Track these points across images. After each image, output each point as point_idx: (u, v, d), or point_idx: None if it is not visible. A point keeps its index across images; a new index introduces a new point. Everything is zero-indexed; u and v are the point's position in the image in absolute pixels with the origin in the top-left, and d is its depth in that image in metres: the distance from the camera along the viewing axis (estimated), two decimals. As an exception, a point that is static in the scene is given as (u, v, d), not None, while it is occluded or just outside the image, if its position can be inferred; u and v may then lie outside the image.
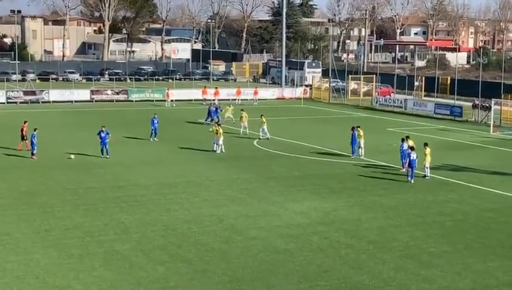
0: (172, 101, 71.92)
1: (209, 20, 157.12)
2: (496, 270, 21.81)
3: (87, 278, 20.60)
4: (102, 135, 40.23)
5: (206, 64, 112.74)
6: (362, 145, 41.18)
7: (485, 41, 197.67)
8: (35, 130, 39.98)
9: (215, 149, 42.11)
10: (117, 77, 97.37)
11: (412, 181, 34.48)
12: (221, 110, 55.67)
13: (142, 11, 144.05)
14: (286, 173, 36.89)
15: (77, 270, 21.19)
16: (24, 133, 41.72)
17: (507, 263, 22.57)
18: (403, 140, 37.23)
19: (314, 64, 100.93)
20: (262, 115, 48.68)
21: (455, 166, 38.99)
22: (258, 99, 75.06)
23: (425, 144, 36.30)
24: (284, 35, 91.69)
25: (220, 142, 42.12)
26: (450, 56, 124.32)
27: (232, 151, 42.44)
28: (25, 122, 42.31)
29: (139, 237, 24.75)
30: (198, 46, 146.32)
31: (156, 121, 46.79)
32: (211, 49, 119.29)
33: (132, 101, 74.87)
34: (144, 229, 25.72)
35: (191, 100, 74.96)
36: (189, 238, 24.66)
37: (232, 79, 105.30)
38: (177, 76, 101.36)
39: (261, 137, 47.83)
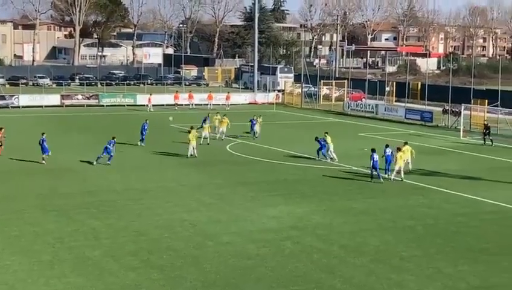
0: (147, 105, 71.73)
1: (180, 25, 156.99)
2: (466, 274, 21.96)
3: (58, 285, 20.39)
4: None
5: (178, 69, 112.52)
6: (332, 149, 41.43)
7: (455, 47, 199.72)
8: (43, 134, 39.70)
9: (192, 154, 41.91)
10: (88, 81, 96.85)
11: (382, 180, 35.27)
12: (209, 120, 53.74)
13: (113, 15, 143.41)
14: (258, 178, 36.88)
15: (47, 277, 20.96)
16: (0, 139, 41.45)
17: (477, 266, 22.74)
18: (386, 146, 37.21)
19: (286, 69, 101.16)
20: (260, 116, 50.72)
21: (426, 171, 39.26)
22: (231, 104, 75.05)
23: (398, 148, 36.69)
24: (256, 40, 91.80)
25: (191, 147, 41.94)
26: (420, 62, 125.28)
27: (204, 156, 42.34)
28: (0, 128, 42.07)
29: (110, 243, 24.55)
30: (170, 50, 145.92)
31: (146, 127, 46.83)
32: (183, 54, 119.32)
33: (103, 106, 74.42)
34: (114, 235, 25.53)
35: (163, 105, 74.67)
36: (161, 244, 24.52)
37: (204, 84, 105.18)
38: (149, 81, 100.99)
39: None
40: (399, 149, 36.58)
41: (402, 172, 36.29)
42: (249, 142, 48.78)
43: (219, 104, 75.09)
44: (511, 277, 21.87)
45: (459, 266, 22.77)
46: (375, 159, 35.67)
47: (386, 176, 36.41)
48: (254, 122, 50.97)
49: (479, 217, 29.41)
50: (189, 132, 42.22)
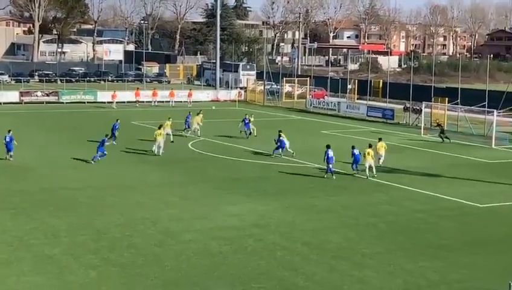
0: (111, 102, 71.10)
1: (142, 21, 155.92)
2: (426, 270, 22.12)
3: (16, 284, 20.05)
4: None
5: (139, 66, 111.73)
6: (288, 146, 41.55)
7: (415, 45, 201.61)
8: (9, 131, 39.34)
9: (154, 150, 41.57)
10: (47, 78, 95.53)
11: (334, 177, 35.77)
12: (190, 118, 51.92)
13: (73, 11, 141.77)
14: (221, 176, 36.75)
15: (5, 276, 20.59)
16: None
17: (437, 262, 22.92)
18: (353, 147, 37.44)
19: (248, 66, 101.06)
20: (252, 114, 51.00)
21: (387, 168, 39.48)
22: (193, 102, 74.71)
23: (370, 145, 37.27)
24: (218, 37, 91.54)
25: (156, 145, 41.60)
26: (382, 60, 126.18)
27: (166, 154, 42.05)
28: None
29: (69, 241, 24.23)
30: (131, 47, 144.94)
31: (117, 126, 46.18)
32: (144, 51, 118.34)
33: (63, 102, 73.51)
34: (74, 233, 25.20)
35: (124, 102, 74.02)
36: (122, 242, 24.27)
37: (165, 81, 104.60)
38: (110, 78, 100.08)
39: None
40: (370, 146, 36.91)
41: (374, 169, 36.43)
42: (210, 140, 48.60)
43: (181, 102, 74.69)
44: (470, 272, 22.12)
45: (420, 262, 22.93)
46: (329, 155, 36.04)
47: (355, 173, 36.77)
48: (247, 120, 50.06)
49: (438, 213, 29.67)
50: (159, 128, 41.90)
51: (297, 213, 29.07)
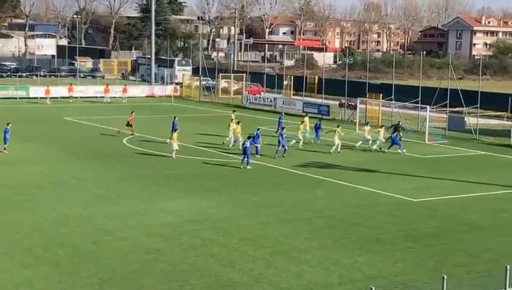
0: (44, 98, 69.77)
1: (75, 16, 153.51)
2: (362, 265, 22.36)
3: None
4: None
5: (73, 61, 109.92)
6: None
7: (350, 41, 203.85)
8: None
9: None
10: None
11: (248, 167, 37.06)
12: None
13: (3, 5, 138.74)
14: (157, 172, 36.45)
15: None
16: None
17: (373, 257, 23.19)
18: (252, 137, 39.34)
19: (184, 62, 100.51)
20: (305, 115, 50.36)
21: (324, 163, 39.82)
22: (128, 97, 73.89)
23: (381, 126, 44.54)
24: (153, 32, 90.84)
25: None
26: (317, 56, 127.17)
27: (100, 150, 41.51)
28: None
29: (2, 240, 23.67)
30: (64, 42, 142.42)
31: (7, 130, 40.61)
32: (77, 46, 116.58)
33: (-6, 98, 71.81)
34: (6, 232, 24.64)
35: (57, 98, 72.73)
36: (56, 240, 23.83)
37: (100, 76, 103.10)
38: (42, 73, 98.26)
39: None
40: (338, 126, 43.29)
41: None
42: (146, 136, 48.15)
43: (116, 97, 73.76)
44: (405, 266, 22.45)
45: (356, 257, 23.16)
46: (247, 145, 37.38)
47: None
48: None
49: (374, 208, 30.02)
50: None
51: (234, 209, 29.03)
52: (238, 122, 44.54)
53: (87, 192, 31.29)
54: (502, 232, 26.83)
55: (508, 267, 17.27)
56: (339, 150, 43.20)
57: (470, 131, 53.12)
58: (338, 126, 44.50)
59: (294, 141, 44.70)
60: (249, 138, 38.39)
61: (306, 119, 48.72)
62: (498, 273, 18.16)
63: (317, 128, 47.32)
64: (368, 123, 49.82)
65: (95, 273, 20.80)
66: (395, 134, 45.05)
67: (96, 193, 31.22)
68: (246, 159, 37.47)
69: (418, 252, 23.90)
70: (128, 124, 47.99)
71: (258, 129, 42.35)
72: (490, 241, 25.61)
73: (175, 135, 40.90)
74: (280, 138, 40.89)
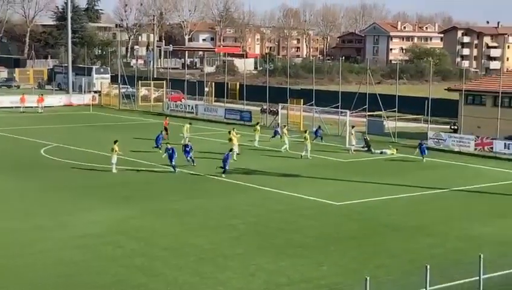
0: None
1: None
2: (286, 269, 22.44)
3: None
4: None
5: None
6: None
7: (270, 48, 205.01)
8: None
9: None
10: None
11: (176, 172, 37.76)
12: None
13: None
14: (76, 183, 35.74)
15: None
16: None
17: (297, 261, 23.31)
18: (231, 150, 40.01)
19: (102, 70, 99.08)
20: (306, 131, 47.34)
21: (247, 169, 39.84)
22: (45, 107, 72.22)
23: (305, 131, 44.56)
24: (70, 40, 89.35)
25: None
26: (238, 62, 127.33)
27: (18, 160, 40.48)
28: None
29: None
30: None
31: None
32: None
33: None
34: None
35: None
36: (-27, 255, 23.07)
37: (15, 86, 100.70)
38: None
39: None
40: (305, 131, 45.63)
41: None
42: (65, 146, 47.19)
43: (32, 107, 71.99)
44: (329, 269, 22.67)
45: (280, 261, 23.23)
46: (173, 151, 38.25)
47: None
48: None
49: (298, 212, 30.21)
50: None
51: (156, 218, 28.73)
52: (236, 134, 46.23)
53: (5, 204, 30.46)
54: (422, 233, 27.37)
55: (428, 267, 17.59)
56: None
57: (389, 134, 54.06)
58: (285, 126, 49.48)
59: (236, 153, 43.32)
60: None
61: (233, 133, 46.17)
62: (419, 273, 18.50)
63: (316, 132, 52.05)
64: (285, 126, 51.98)
65: (14, 287, 20.27)
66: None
67: (15, 204, 30.42)
68: (172, 165, 37.99)
69: (341, 255, 24.16)
70: (165, 129, 49.48)
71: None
72: (411, 242, 26.12)
73: (115, 146, 38.76)
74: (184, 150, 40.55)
